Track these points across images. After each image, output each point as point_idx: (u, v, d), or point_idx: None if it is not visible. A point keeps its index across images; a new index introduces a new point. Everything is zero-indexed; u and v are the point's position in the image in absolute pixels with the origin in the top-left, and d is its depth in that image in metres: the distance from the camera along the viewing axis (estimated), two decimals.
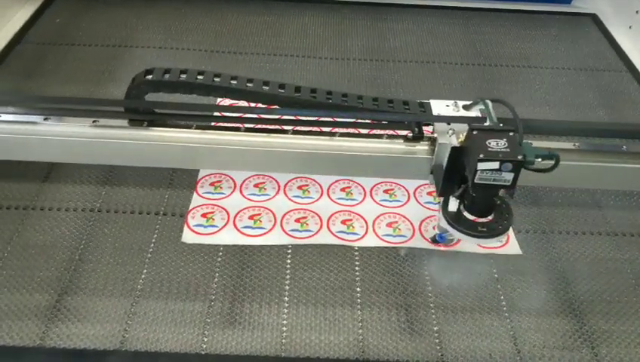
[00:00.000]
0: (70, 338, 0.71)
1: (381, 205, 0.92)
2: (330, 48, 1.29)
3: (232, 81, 0.80)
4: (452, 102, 0.80)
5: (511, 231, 0.88)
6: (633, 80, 1.25)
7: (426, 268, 0.83)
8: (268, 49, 1.28)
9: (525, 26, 1.42)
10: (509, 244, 0.87)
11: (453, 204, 0.72)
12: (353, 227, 0.88)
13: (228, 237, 0.85)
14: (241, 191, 0.92)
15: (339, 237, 0.86)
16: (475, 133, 0.68)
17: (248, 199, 0.91)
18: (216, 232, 0.85)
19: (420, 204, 0.92)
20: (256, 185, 0.93)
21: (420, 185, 0.95)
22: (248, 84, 0.80)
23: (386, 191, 0.94)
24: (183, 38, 1.29)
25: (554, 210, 0.93)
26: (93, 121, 0.82)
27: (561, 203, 0.94)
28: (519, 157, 0.65)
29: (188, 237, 0.85)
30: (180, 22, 1.34)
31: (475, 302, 0.79)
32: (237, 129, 0.83)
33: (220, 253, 0.83)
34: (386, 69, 1.24)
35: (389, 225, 0.89)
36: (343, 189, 0.94)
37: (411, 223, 0.89)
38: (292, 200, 0.91)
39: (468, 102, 0.79)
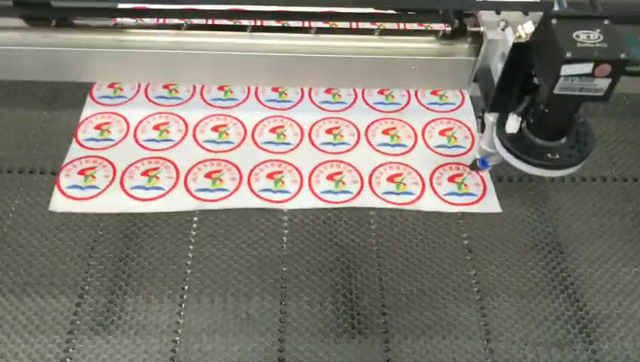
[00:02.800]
0: None
1: (322, 150, 0.70)
2: None
3: None
4: None
5: (489, 182, 0.68)
6: None
7: (374, 234, 0.63)
8: None
9: None
10: (486, 199, 0.67)
11: (513, 123, 0.52)
12: (283, 182, 0.67)
13: (111, 201, 0.64)
14: (135, 136, 0.70)
15: (263, 198, 0.65)
16: (554, 22, 0.46)
17: (144, 147, 0.69)
18: (96, 196, 0.64)
19: (372, 147, 0.71)
20: (156, 127, 0.71)
21: (373, 122, 0.73)
22: None
23: (329, 131, 0.72)
24: None
25: None
26: None
27: None
28: (622, 56, 0.44)
29: (58, 203, 0.63)
30: None
31: (436, 283, 0.60)
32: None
33: (100, 226, 0.62)
34: None
35: (329, 177, 0.68)
36: (273, 130, 0.72)
37: (359, 173, 0.68)
38: (203, 147, 0.69)
39: None
